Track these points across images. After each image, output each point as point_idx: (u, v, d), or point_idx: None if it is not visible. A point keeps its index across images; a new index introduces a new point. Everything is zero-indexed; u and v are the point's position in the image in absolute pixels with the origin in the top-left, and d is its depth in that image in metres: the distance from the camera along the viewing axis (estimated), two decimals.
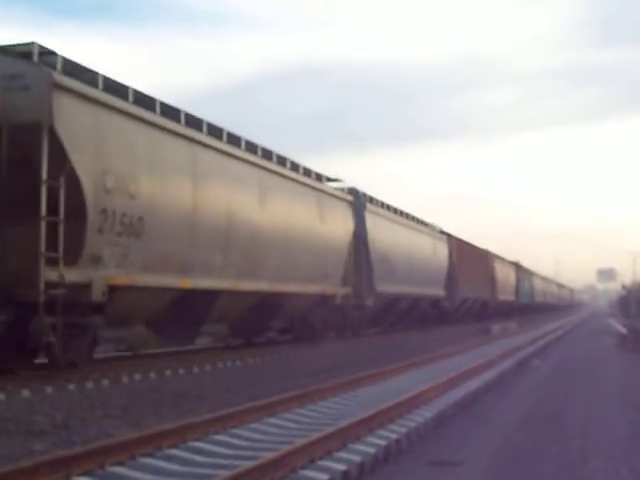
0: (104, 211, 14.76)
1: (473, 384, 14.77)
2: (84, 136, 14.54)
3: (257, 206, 20.68)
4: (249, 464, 7.13)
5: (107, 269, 14.82)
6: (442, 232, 43.41)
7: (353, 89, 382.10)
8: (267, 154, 22.04)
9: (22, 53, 14.13)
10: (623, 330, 36.30)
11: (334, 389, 13.29)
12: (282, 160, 23.07)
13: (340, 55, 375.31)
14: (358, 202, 29.07)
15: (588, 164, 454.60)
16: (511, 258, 67.94)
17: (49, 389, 12.78)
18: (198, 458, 7.98)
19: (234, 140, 20.22)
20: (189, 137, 17.90)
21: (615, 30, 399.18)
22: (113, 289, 14.87)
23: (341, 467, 7.56)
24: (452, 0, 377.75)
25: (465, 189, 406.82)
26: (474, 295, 48.12)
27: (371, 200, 31.13)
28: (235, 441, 8.85)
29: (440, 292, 40.64)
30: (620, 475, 8.05)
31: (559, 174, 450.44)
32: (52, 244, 13.46)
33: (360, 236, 28.59)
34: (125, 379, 14.58)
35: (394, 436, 9.16)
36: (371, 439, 8.93)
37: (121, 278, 15.20)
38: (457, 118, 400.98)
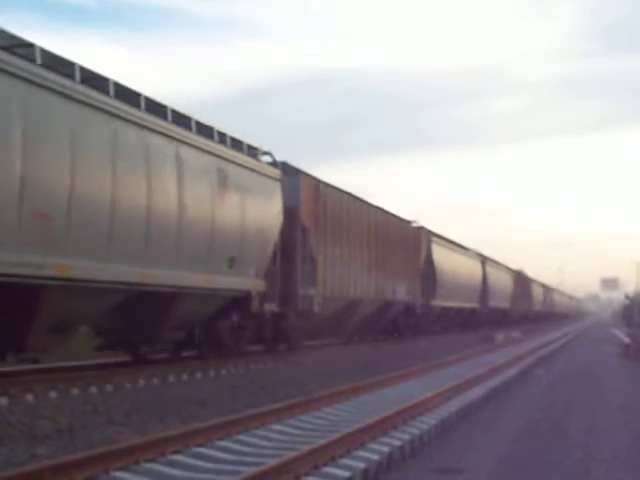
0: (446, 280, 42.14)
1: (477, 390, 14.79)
2: (440, 257, 41.08)
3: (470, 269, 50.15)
4: (252, 470, 7.14)
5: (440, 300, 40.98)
6: (507, 268, 67.58)
7: (362, 98, 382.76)
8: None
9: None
10: (626, 339, 36.27)
11: (342, 394, 13.28)
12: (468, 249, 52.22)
13: (349, 64, 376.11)
14: (483, 259, 55.03)
15: (592, 173, 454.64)
16: (515, 266, 74.33)
17: (53, 394, 12.79)
18: (201, 464, 7.99)
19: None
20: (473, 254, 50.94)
21: (619, 40, 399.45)
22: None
23: (345, 474, 7.56)
24: (460, 11, 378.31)
25: (470, 197, 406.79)
26: (522, 307, 72.24)
27: (487, 257, 57.06)
28: (239, 447, 8.85)
29: (507, 305, 63.44)
30: None
31: (563, 183, 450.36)
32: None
33: (484, 276, 53.76)
34: (128, 385, 14.58)
35: (398, 443, 9.16)
36: (375, 446, 8.93)
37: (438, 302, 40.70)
38: (464, 127, 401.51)
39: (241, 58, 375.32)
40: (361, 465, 7.92)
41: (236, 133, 19.63)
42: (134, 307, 15.98)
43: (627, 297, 65.25)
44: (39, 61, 13.17)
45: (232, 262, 18.69)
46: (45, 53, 13.47)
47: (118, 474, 7.39)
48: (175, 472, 7.63)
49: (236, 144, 19.64)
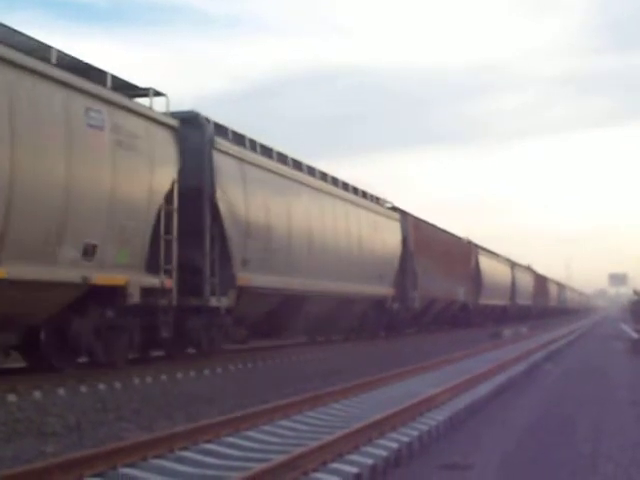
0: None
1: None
2: (484, 265, 51.99)
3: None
4: (260, 466, 7.13)
5: (484, 299, 52.33)
6: (529, 269, 79.36)
7: (368, 94, 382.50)
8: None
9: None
10: (635, 335, 36.14)
11: (347, 391, 13.26)
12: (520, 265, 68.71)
13: (355, 60, 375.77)
14: (512, 264, 64.97)
15: (601, 168, 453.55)
16: (523, 262, 78.17)
17: (61, 391, 12.81)
18: (209, 460, 7.98)
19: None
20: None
21: (626, 35, 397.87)
22: None
23: (353, 470, 7.55)
24: (465, 6, 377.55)
25: (478, 193, 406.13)
26: (540, 303, 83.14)
27: (515, 262, 67.43)
28: (247, 443, 8.84)
29: (530, 302, 73.73)
30: None
31: (571, 178, 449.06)
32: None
33: (513, 278, 63.92)
34: (137, 381, 14.60)
35: (406, 439, 9.14)
36: (383, 442, 8.92)
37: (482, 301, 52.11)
38: (470, 123, 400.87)
39: (247, 54, 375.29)
40: (369, 461, 7.91)
41: (375, 192, 31.76)
42: (334, 307, 26.06)
43: (636, 292, 65.07)
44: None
45: (379, 277, 30.41)
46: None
47: (126, 470, 7.39)
48: (183, 468, 7.63)
49: (377, 200, 31.92)
